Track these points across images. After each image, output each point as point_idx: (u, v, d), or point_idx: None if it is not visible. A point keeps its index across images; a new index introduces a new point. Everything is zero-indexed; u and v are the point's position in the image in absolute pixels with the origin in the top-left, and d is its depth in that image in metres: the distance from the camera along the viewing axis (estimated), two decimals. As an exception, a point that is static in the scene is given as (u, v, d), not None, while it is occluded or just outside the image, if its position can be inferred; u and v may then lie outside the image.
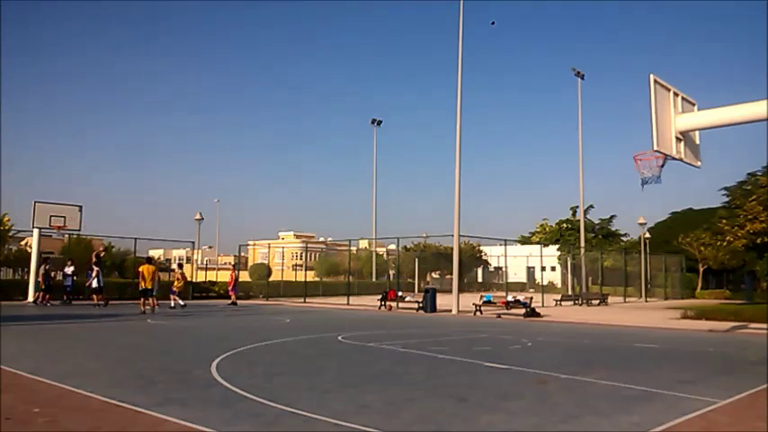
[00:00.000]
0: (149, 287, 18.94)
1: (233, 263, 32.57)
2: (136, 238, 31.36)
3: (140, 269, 19.23)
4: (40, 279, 21.85)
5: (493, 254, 52.31)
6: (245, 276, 44.23)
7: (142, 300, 18.71)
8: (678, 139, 11.54)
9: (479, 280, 58.03)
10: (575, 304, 29.01)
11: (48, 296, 21.44)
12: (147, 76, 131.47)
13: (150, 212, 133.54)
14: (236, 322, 16.51)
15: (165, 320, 16.45)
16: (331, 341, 11.85)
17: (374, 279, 46.21)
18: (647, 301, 34.94)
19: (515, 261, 45.32)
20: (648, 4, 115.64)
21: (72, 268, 22.29)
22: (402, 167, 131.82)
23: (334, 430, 4.86)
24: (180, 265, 25.27)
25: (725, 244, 33.75)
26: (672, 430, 5.03)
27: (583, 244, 38.59)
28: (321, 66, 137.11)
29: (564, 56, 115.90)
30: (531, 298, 22.42)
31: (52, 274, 22.35)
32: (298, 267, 58.21)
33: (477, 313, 20.98)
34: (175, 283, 22.10)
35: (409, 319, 18.77)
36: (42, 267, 21.90)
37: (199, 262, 48.22)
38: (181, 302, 21.16)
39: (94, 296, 21.21)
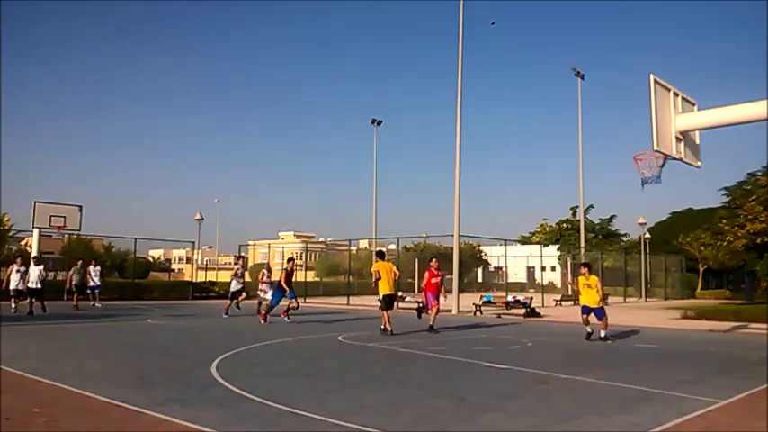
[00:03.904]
0: (392, 292, 13.41)
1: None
2: (136, 238, 31.44)
3: (374, 269, 13.29)
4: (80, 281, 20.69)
5: (493, 254, 52.33)
6: (244, 276, 44.15)
7: (386, 314, 12.98)
8: (678, 139, 11.54)
9: (479, 280, 58.02)
10: (575, 304, 28.97)
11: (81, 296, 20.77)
12: (147, 76, 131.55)
13: (150, 212, 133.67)
14: (236, 322, 16.50)
15: (165, 320, 16.46)
16: (331, 341, 11.85)
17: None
18: (647, 301, 34.94)
19: (515, 261, 45.33)
20: (648, 4, 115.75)
21: (98, 268, 21.84)
22: (402, 167, 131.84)
23: (334, 430, 4.85)
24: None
25: (725, 244, 33.73)
26: (672, 430, 5.03)
27: (583, 244, 38.57)
28: (321, 65, 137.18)
29: (564, 56, 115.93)
30: (531, 298, 22.45)
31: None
32: (298, 267, 58.13)
33: (477, 313, 21.00)
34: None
35: (409, 318, 18.75)
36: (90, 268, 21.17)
37: (199, 262, 48.26)
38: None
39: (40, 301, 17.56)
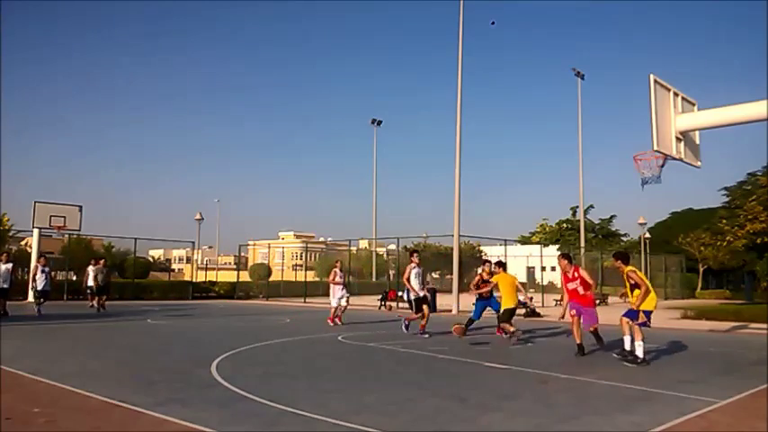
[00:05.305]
0: (514, 305, 12.29)
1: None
2: (136, 238, 31.44)
3: (493, 279, 12.52)
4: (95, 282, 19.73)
5: (493, 254, 52.35)
6: (244, 276, 44.20)
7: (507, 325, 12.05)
8: (678, 139, 11.56)
9: (479, 280, 58.02)
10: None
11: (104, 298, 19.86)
12: (148, 76, 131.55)
13: (150, 212, 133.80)
14: (236, 322, 16.51)
15: (165, 320, 16.45)
16: (331, 341, 11.84)
17: (374, 279, 46.20)
18: (647, 301, 34.91)
19: (515, 261, 45.26)
20: (648, 4, 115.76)
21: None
22: (402, 167, 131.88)
23: (334, 430, 4.85)
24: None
25: (725, 244, 33.78)
26: (672, 430, 5.03)
27: (583, 244, 38.61)
28: (321, 66, 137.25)
29: (564, 56, 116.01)
30: (532, 298, 22.39)
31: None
32: (298, 267, 58.25)
33: (477, 313, 20.93)
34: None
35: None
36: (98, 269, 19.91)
37: (199, 262, 48.27)
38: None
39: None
